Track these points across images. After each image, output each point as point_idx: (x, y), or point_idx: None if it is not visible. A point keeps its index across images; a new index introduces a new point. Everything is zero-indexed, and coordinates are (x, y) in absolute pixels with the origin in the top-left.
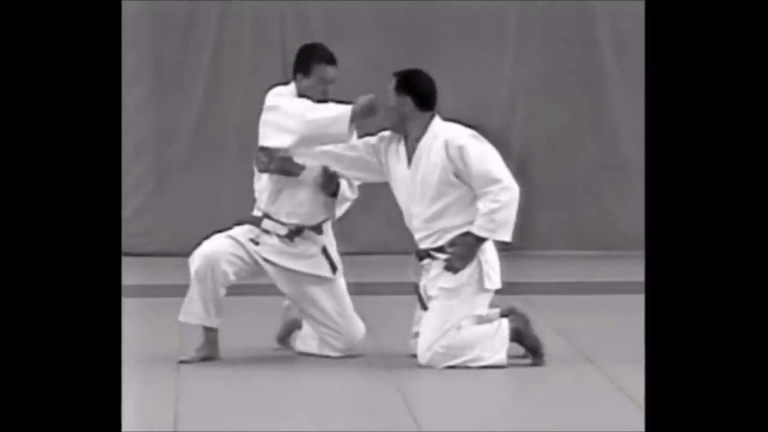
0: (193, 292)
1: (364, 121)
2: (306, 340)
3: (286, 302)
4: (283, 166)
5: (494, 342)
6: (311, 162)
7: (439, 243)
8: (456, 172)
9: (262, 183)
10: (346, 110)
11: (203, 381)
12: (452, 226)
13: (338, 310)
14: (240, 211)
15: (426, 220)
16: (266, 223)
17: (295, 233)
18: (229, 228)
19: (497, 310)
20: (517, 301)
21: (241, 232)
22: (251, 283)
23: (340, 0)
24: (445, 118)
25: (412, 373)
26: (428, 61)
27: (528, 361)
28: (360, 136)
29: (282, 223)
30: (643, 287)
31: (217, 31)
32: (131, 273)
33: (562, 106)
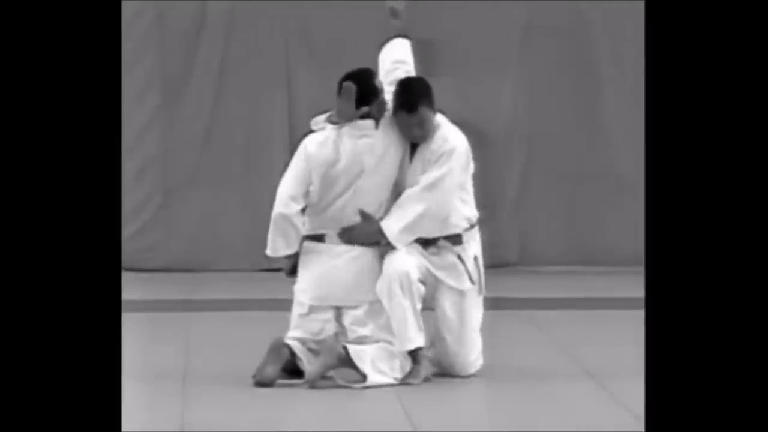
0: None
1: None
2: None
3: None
4: None
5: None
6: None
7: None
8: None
9: None
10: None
11: (209, 398)
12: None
13: None
14: (245, 228)
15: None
16: None
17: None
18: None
19: None
20: (516, 316)
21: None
22: (265, 298)
23: (343, 19)
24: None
25: (412, 389)
26: (430, 79)
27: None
28: None
29: None
30: (642, 303)
31: (223, 50)
32: (137, 288)
33: (562, 124)
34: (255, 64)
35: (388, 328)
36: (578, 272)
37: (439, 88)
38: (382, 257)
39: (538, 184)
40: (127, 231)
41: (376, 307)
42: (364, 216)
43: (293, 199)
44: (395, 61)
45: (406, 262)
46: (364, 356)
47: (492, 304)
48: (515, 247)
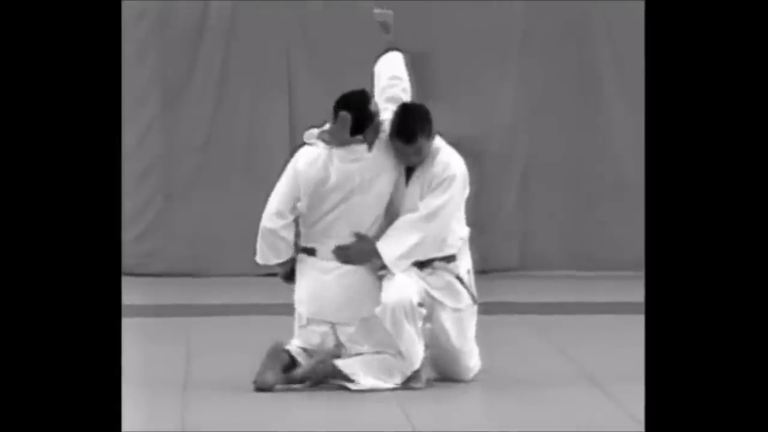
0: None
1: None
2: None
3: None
4: None
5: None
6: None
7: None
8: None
9: None
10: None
11: (209, 402)
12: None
13: None
14: (245, 232)
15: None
16: None
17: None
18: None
19: None
20: (517, 321)
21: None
22: (265, 303)
23: (345, 22)
24: (448, 139)
25: (413, 392)
26: (431, 82)
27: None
28: None
29: None
30: (642, 307)
31: (224, 53)
32: (137, 293)
33: (562, 127)
34: (256, 67)
35: (383, 342)
36: (578, 277)
37: (441, 94)
38: (372, 273)
39: (538, 188)
40: (127, 235)
41: (368, 324)
42: (359, 235)
43: (279, 214)
44: (392, 77)
45: (407, 288)
46: (354, 365)
47: (492, 308)
48: (515, 251)
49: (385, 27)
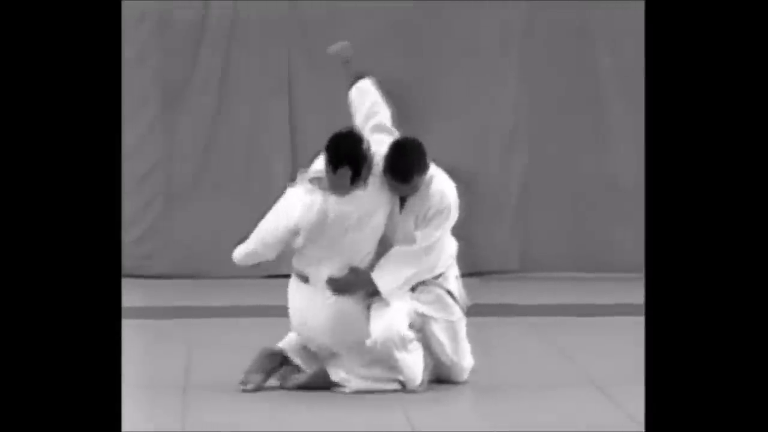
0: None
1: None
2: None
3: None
4: None
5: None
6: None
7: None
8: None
9: None
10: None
11: (209, 404)
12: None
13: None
14: (245, 234)
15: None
16: None
17: None
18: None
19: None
20: (517, 323)
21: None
22: (265, 304)
23: (345, 25)
24: (448, 142)
25: (414, 394)
26: (431, 86)
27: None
28: None
29: None
30: (643, 309)
31: (224, 55)
32: (137, 295)
33: (562, 128)
34: (256, 68)
35: (374, 362)
36: (579, 279)
37: (442, 98)
38: (361, 302)
39: (539, 190)
40: (127, 237)
41: (358, 350)
42: (352, 268)
43: (266, 246)
44: (372, 104)
45: (394, 320)
46: (348, 375)
47: (493, 310)
48: (516, 253)
49: (344, 60)
